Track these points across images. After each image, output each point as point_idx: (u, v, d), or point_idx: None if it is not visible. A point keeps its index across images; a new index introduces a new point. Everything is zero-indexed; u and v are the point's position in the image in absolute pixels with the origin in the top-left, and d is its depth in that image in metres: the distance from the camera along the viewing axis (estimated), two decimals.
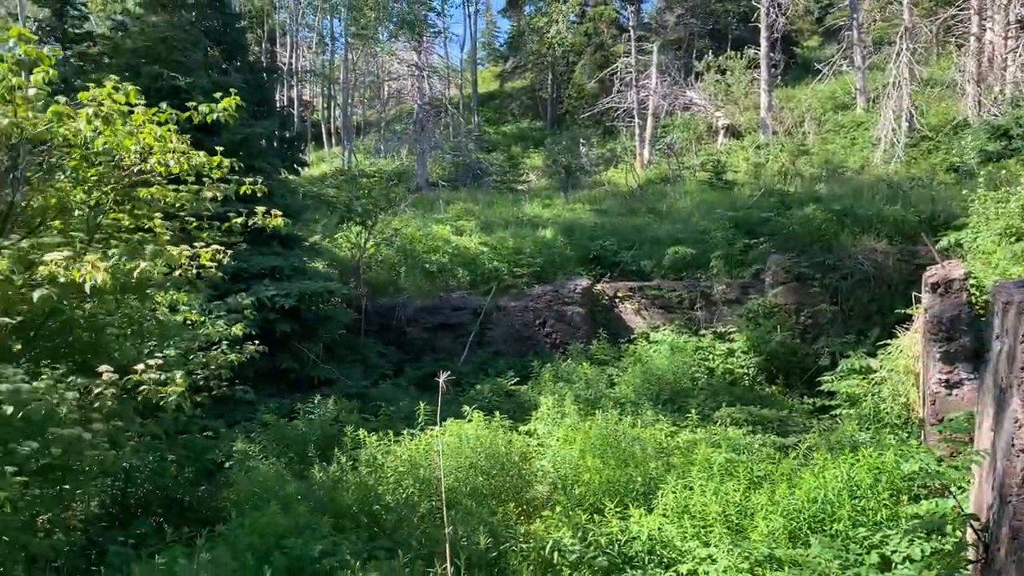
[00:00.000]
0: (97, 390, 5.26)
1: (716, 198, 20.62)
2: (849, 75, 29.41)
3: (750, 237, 16.17)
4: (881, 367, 11.18)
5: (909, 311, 11.47)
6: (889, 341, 11.57)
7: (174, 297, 8.87)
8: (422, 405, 10.53)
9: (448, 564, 6.05)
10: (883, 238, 14.78)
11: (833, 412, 11.28)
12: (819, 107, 29.16)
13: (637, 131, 31.58)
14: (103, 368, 5.33)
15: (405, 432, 9.87)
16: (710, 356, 13.92)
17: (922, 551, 6.11)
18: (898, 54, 24.24)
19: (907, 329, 11.30)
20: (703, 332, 14.74)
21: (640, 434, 9.48)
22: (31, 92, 5.62)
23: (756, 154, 25.10)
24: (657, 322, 15.66)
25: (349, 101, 39.94)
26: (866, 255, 14.30)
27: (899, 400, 10.38)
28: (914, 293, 11.39)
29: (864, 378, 11.26)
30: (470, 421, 9.83)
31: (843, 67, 29.36)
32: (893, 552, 6.26)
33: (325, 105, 45.47)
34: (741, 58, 31.63)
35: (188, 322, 9.25)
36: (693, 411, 10.47)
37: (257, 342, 9.80)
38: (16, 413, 4.71)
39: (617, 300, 16.38)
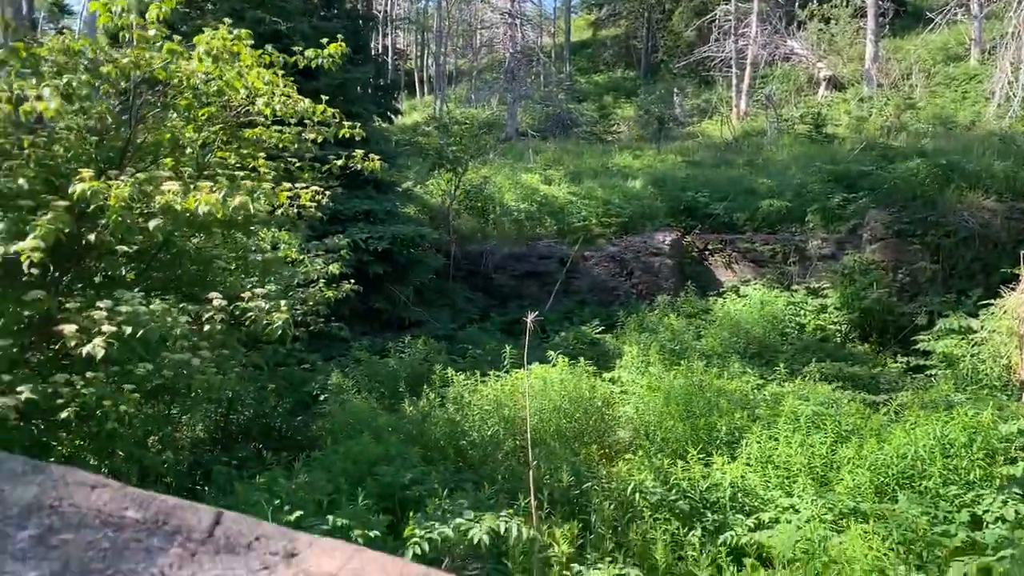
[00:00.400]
0: (207, 315, 5.57)
1: (815, 151, 19.98)
2: (963, 24, 27.77)
3: (849, 191, 15.65)
4: (982, 327, 10.77)
5: (1016, 270, 10.97)
6: (992, 301, 11.12)
7: (276, 235, 9.23)
8: (508, 348, 10.74)
9: (532, 498, 6.23)
10: (992, 195, 14.11)
11: (928, 372, 10.96)
12: (929, 59, 27.68)
13: (734, 81, 30.67)
14: (213, 295, 5.65)
15: (491, 373, 10.10)
16: (801, 312, 13.64)
17: (1016, 512, 5.96)
18: (1020, 1, 22.72)
19: (1013, 289, 10.83)
20: (795, 287, 14.44)
21: (726, 385, 9.45)
22: (150, 33, 5.89)
23: (859, 107, 24.09)
24: (748, 276, 15.41)
25: (442, 50, 39.99)
26: (972, 212, 13.68)
27: (1000, 362, 10.01)
28: (1022, 252, 10.87)
29: (963, 338, 10.88)
30: (554, 366, 9.98)
31: (957, 16, 27.73)
32: (985, 512, 6.13)
33: (418, 53, 45.70)
34: (847, 6, 30.20)
35: (288, 260, 9.63)
36: (781, 365, 10.35)
37: (352, 281, 10.12)
38: (134, 334, 5.05)
39: (707, 253, 16.18)
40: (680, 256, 16.15)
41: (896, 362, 11.93)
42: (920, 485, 6.66)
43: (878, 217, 14.25)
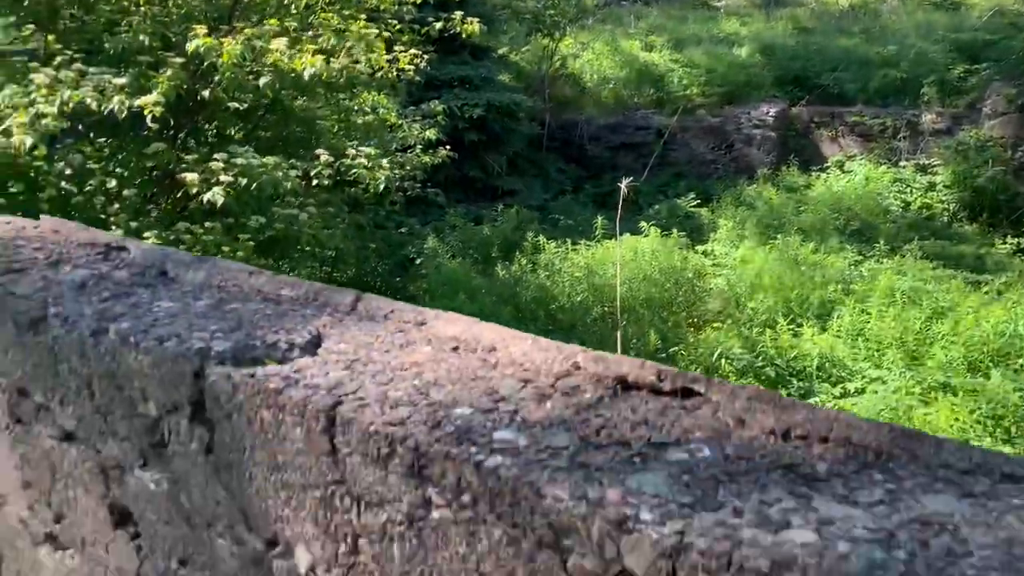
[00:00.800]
0: (315, 171, 5.82)
1: (938, 19, 18.57)
2: None
3: (972, 63, 14.62)
4: None
5: None
6: None
7: (375, 99, 9.37)
8: (599, 219, 10.80)
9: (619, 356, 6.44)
10: None
11: None
12: None
13: None
14: (319, 151, 5.88)
15: (582, 243, 10.23)
16: (908, 189, 13.12)
17: None
18: None
19: None
20: (903, 164, 13.82)
21: (822, 261, 9.33)
22: None
23: None
24: (854, 151, 14.78)
25: None
26: None
27: None
28: None
29: None
30: (647, 236, 10.02)
31: None
32: None
33: None
34: None
35: (387, 124, 9.79)
36: (881, 242, 10.10)
37: (448, 148, 10.24)
38: (249, 186, 5.35)
39: (813, 126, 15.52)
40: (784, 129, 15.56)
41: (1005, 243, 11.45)
42: (1016, 363, 6.56)
43: (1001, 90, 13.34)
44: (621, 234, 9.57)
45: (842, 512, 0.68)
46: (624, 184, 6.80)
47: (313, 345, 1.05)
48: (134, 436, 1.11)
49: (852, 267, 9.35)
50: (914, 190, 13.03)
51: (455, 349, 1.03)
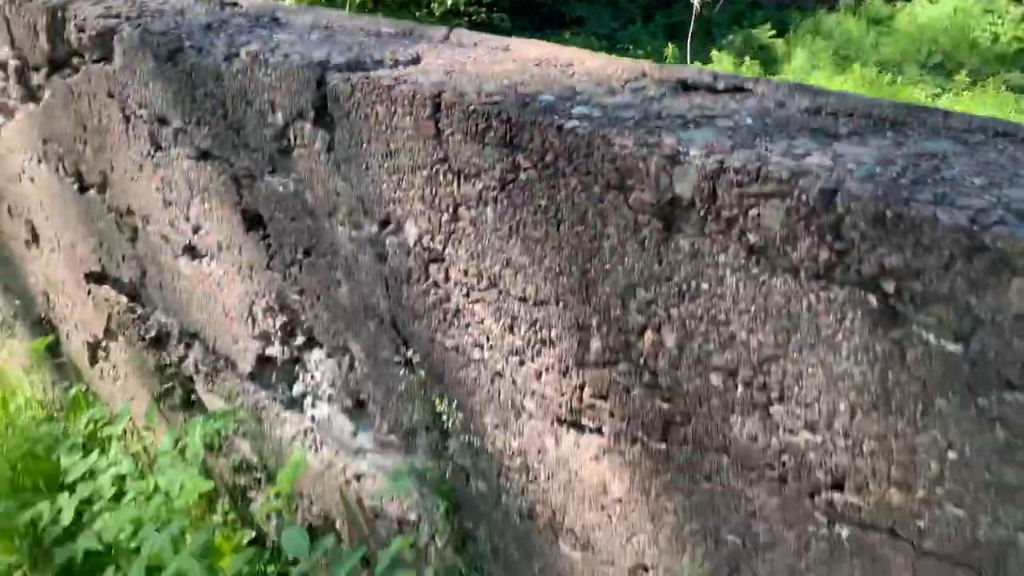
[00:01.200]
0: None
1: None
2: None
3: None
4: None
5: None
6: None
7: None
8: (671, 47, 10.51)
9: None
10: None
11: None
12: None
13: None
14: None
15: None
16: (999, 21, 12.34)
17: None
18: None
19: None
20: None
21: (897, 92, 9.03)
22: None
23: None
24: None
25: None
26: None
27: None
28: None
29: None
30: (718, 65, 9.77)
31: None
32: None
33: None
34: None
35: None
36: (963, 73, 9.68)
37: None
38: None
39: None
40: None
41: None
42: None
43: None
44: (692, 62, 9.36)
45: (854, 150, 0.84)
46: (697, 1, 6.61)
47: (414, 61, 1.22)
48: (264, 145, 1.32)
49: (929, 99, 9.04)
50: (1006, 21, 12.25)
51: (537, 65, 1.19)
